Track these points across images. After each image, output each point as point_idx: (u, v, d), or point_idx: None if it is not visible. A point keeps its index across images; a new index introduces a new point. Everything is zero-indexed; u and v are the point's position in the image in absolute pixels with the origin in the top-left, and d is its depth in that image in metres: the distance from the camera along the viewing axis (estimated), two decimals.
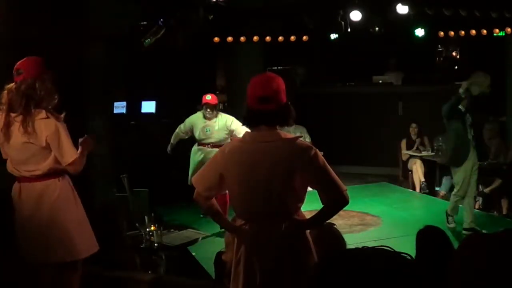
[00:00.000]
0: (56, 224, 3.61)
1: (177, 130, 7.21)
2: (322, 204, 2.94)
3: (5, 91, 3.60)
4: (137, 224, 5.34)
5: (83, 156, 3.70)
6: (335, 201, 2.93)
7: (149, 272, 4.77)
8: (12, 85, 3.61)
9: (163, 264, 5.04)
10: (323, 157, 2.91)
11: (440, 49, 12.41)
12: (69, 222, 3.65)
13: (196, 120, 6.99)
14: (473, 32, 9.01)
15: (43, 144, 3.55)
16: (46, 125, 3.54)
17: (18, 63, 3.63)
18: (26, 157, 3.59)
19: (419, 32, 9.00)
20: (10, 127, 3.58)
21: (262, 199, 2.86)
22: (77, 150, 3.66)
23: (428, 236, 3.26)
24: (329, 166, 2.91)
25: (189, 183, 5.72)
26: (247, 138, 3.00)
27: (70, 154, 3.58)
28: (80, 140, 3.74)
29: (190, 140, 8.68)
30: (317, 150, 2.91)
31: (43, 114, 3.55)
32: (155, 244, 5.30)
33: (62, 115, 3.64)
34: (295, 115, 2.98)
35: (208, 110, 6.78)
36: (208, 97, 6.81)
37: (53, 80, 3.66)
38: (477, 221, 6.65)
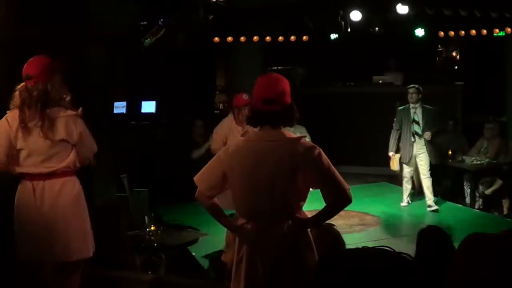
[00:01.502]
0: (75, 220, 3.69)
1: (212, 148, 5.98)
2: (325, 202, 2.95)
3: (17, 92, 3.62)
4: (137, 224, 5.33)
5: None
6: (338, 200, 2.94)
7: (149, 272, 4.76)
8: (23, 85, 3.61)
9: (163, 264, 5.04)
10: (326, 157, 2.92)
11: (440, 49, 12.41)
12: (84, 219, 3.75)
13: (228, 127, 5.77)
14: (473, 32, 9.01)
15: (75, 140, 3.66)
16: (76, 122, 3.67)
17: (27, 65, 3.62)
18: (51, 154, 3.63)
19: (419, 32, 8.99)
20: (27, 126, 3.59)
21: (265, 198, 2.86)
22: None
23: (429, 236, 3.26)
24: (332, 166, 2.93)
25: None
26: (251, 137, 3.01)
27: (94, 145, 3.84)
28: None
29: (190, 141, 8.68)
30: (321, 150, 2.92)
31: (70, 111, 3.66)
32: (155, 244, 5.29)
33: (80, 110, 3.73)
34: (298, 115, 3.01)
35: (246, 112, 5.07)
36: (245, 96, 5.56)
37: (61, 80, 3.69)
38: (477, 221, 6.66)
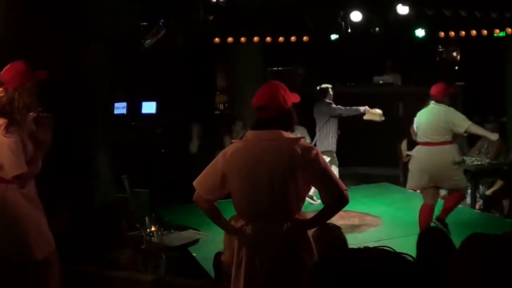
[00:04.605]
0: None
1: None
2: (323, 203, 2.96)
3: None
4: (137, 225, 5.33)
5: (38, 159, 3.64)
6: (336, 201, 2.96)
7: (150, 272, 4.76)
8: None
9: (164, 265, 5.04)
10: (324, 158, 2.94)
11: (441, 49, 12.41)
12: (12, 223, 3.60)
13: None
14: (474, 32, 9.00)
15: None
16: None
17: (2, 71, 3.58)
18: None
19: (420, 32, 8.98)
20: None
21: (264, 198, 2.87)
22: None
23: (430, 237, 3.25)
24: (329, 167, 2.95)
25: None
26: (249, 137, 3.02)
27: (13, 168, 3.50)
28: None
29: (189, 141, 8.68)
30: (318, 150, 2.94)
31: (1, 122, 3.49)
32: (155, 245, 5.28)
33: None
34: (296, 120, 3.02)
35: None
36: None
37: (32, 90, 3.57)
38: (478, 222, 6.66)
